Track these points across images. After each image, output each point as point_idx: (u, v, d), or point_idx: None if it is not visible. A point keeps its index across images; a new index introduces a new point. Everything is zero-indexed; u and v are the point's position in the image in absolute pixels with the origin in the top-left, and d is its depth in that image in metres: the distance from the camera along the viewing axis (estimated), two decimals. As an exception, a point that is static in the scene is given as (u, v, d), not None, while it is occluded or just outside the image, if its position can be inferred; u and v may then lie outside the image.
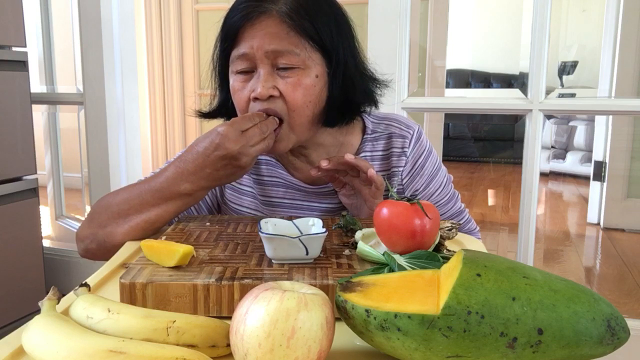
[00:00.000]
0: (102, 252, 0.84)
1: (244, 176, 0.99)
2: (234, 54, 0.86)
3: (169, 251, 0.61)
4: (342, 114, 0.91)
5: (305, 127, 0.87)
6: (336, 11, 0.88)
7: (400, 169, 0.97)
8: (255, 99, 0.84)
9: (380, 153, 0.98)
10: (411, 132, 0.98)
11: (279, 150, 0.87)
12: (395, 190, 0.98)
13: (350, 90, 0.89)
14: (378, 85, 0.94)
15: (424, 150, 0.99)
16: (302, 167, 0.97)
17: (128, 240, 0.81)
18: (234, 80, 0.87)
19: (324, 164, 0.84)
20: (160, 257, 0.62)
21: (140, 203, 0.82)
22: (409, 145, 0.97)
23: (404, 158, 0.97)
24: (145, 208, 0.82)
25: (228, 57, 0.88)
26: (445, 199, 1.01)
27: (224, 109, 0.95)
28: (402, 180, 0.98)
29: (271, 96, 0.83)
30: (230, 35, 0.85)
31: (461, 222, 1.02)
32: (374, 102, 0.95)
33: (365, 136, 0.98)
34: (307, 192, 0.97)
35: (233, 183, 1.00)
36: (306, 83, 0.84)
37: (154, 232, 0.83)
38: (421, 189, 0.99)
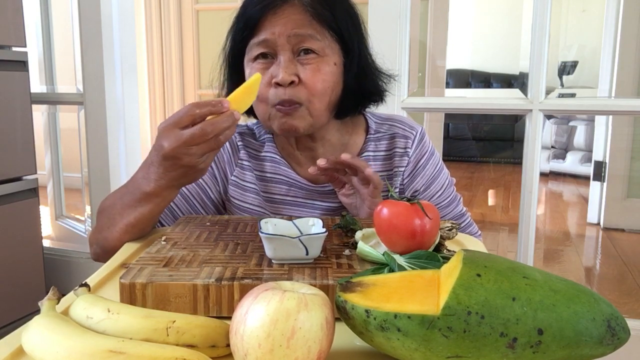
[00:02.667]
0: (106, 256, 0.83)
1: (247, 173, 0.99)
2: (252, 42, 0.87)
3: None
4: (354, 104, 0.94)
5: (323, 113, 0.89)
6: (351, 5, 0.92)
7: (402, 169, 0.98)
8: (277, 84, 0.85)
9: (382, 153, 0.99)
10: (414, 133, 0.99)
11: (298, 129, 0.88)
12: (396, 190, 0.99)
13: (363, 80, 0.92)
14: (386, 79, 0.97)
15: (427, 151, 1.00)
16: (306, 163, 0.98)
17: (120, 244, 0.81)
18: (252, 68, 0.88)
19: (322, 162, 0.84)
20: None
21: (121, 207, 0.81)
22: (412, 145, 0.98)
23: (406, 158, 0.98)
24: (125, 211, 0.80)
25: (243, 47, 0.89)
26: (446, 201, 1.01)
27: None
28: (403, 180, 0.98)
29: (292, 82, 0.85)
30: (250, 23, 0.86)
31: (462, 225, 1.02)
32: (383, 93, 0.97)
33: (368, 136, 0.99)
34: (310, 191, 0.98)
35: (236, 180, 0.99)
36: (325, 70, 0.87)
37: (141, 233, 0.82)
38: (421, 190, 0.99)
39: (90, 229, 2.14)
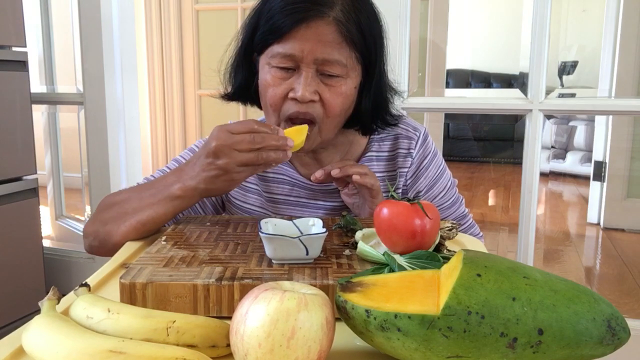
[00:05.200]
0: (103, 250, 0.84)
1: None
2: (277, 49, 0.83)
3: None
4: (364, 121, 0.92)
5: (332, 132, 0.89)
6: (380, 24, 0.89)
7: (406, 169, 0.98)
8: (294, 99, 0.83)
9: (386, 153, 0.99)
10: (418, 134, 0.99)
11: (304, 149, 0.87)
12: (399, 191, 0.99)
13: (378, 100, 0.91)
14: (394, 95, 0.96)
15: (430, 152, 1.00)
16: (310, 163, 0.98)
17: (125, 240, 0.81)
18: (269, 73, 0.85)
19: (319, 174, 0.86)
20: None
21: (137, 204, 0.82)
22: (415, 146, 0.98)
23: (410, 159, 0.98)
24: (140, 209, 0.81)
25: (263, 48, 0.86)
26: (448, 202, 1.01)
27: (245, 91, 0.93)
28: (406, 181, 0.99)
29: (310, 100, 0.83)
30: (278, 32, 0.82)
31: (464, 227, 1.02)
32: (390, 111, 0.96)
33: (372, 136, 1.00)
34: (313, 190, 0.98)
35: None
36: (346, 92, 0.85)
37: (147, 233, 0.82)
38: (424, 191, 0.99)
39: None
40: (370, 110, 0.90)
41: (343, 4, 0.82)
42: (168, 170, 0.93)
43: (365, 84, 0.89)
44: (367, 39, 0.84)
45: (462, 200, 1.04)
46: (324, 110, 0.84)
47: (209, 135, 0.78)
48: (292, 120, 0.85)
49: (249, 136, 0.75)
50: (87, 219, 2.24)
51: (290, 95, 0.83)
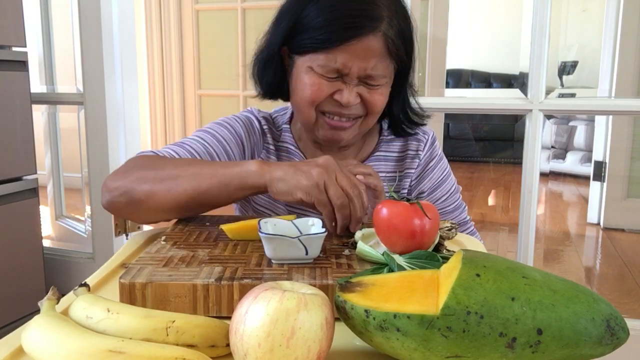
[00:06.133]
0: (130, 209, 0.78)
1: (272, 157, 1.00)
2: (323, 60, 0.83)
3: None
4: (398, 121, 0.97)
5: (367, 129, 0.93)
6: (415, 31, 0.91)
7: (412, 170, 1.01)
8: (337, 100, 0.86)
9: (394, 154, 1.02)
10: (426, 137, 1.02)
11: (342, 142, 0.91)
12: (404, 191, 1.00)
13: (408, 101, 0.96)
14: (415, 110, 1.00)
15: (436, 155, 1.02)
16: None
17: (168, 206, 0.76)
18: (312, 78, 0.85)
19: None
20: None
21: (199, 174, 0.76)
22: (423, 148, 1.01)
23: (417, 160, 1.01)
24: (205, 179, 0.75)
25: (304, 50, 0.86)
26: (451, 207, 1.02)
27: (276, 89, 0.95)
28: (411, 182, 1.00)
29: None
30: (328, 42, 0.82)
31: (464, 233, 1.02)
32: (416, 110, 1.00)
33: (380, 137, 1.02)
34: None
35: None
36: (385, 93, 0.89)
37: (194, 210, 0.79)
38: (426, 192, 1.01)
39: (90, 228, 2.14)
40: (401, 111, 0.95)
41: (390, 15, 0.83)
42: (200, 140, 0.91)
43: (396, 84, 0.92)
44: (407, 48, 0.88)
45: (465, 207, 1.05)
46: (366, 109, 0.88)
47: (321, 163, 0.73)
48: (329, 121, 0.88)
49: (344, 197, 0.71)
50: (87, 219, 2.24)
51: (336, 97, 0.86)
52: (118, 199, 0.78)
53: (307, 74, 0.86)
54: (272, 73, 0.92)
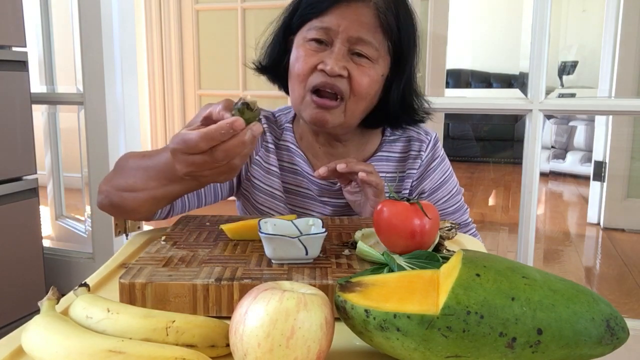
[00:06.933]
0: (116, 212, 0.82)
1: (271, 155, 1.00)
2: (314, 23, 0.87)
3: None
4: (385, 119, 0.95)
5: (356, 116, 0.91)
6: (416, 24, 0.92)
7: (414, 171, 1.01)
8: (322, 71, 0.86)
9: (397, 155, 1.01)
10: (429, 138, 1.02)
11: (327, 124, 0.89)
12: (405, 192, 1.00)
13: (407, 96, 0.94)
14: (421, 104, 0.99)
15: (438, 156, 1.02)
16: (323, 158, 0.99)
17: (139, 210, 0.78)
18: (303, 47, 0.88)
19: (322, 171, 0.86)
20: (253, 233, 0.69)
21: (146, 177, 0.75)
22: (426, 149, 1.01)
23: (419, 161, 1.00)
24: (149, 183, 0.74)
25: (300, 25, 0.89)
26: (452, 209, 1.02)
27: (276, 66, 0.96)
28: (413, 182, 1.00)
29: (339, 75, 0.85)
30: (319, 7, 0.86)
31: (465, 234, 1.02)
32: (417, 117, 0.98)
33: (383, 137, 1.02)
34: (320, 188, 0.99)
35: (260, 160, 1.00)
36: (373, 75, 0.88)
37: (162, 206, 0.80)
38: (427, 193, 1.01)
39: (90, 228, 2.14)
40: (398, 105, 0.93)
41: None
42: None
43: (394, 78, 0.91)
44: (401, 32, 0.88)
45: (466, 209, 1.05)
46: (350, 87, 0.87)
47: (170, 152, 0.67)
48: (319, 92, 0.87)
49: (209, 156, 0.63)
50: (87, 219, 2.24)
51: (320, 67, 0.86)
52: (104, 202, 0.83)
53: (298, 48, 0.89)
54: (276, 52, 0.95)
